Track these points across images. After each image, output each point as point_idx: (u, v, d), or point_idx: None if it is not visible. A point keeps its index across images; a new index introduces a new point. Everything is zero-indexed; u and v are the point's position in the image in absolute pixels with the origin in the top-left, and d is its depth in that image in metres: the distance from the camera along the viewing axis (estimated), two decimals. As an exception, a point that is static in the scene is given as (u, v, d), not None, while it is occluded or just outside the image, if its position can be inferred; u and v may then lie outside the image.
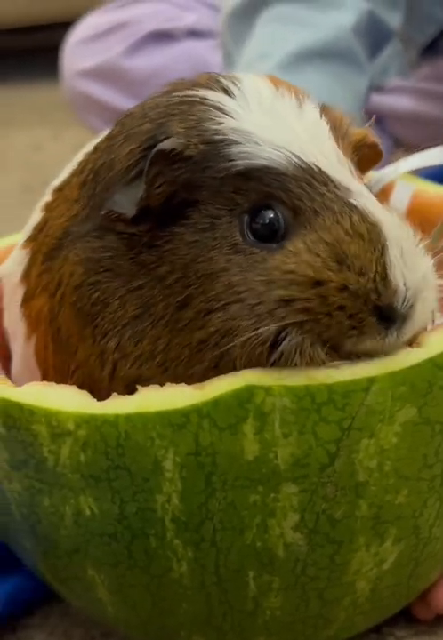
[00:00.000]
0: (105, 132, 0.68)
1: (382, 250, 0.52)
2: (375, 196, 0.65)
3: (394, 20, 1.26)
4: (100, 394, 0.55)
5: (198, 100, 0.56)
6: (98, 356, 0.56)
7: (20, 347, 0.64)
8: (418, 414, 0.54)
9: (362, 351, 0.53)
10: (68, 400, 0.55)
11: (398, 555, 0.58)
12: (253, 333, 0.51)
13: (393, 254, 0.52)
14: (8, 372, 0.68)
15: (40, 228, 0.63)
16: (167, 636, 0.62)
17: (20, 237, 0.66)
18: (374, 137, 0.61)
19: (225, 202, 0.54)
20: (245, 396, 0.52)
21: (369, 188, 0.60)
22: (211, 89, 0.57)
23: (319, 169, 0.54)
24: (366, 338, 0.52)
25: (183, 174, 0.54)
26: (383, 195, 0.79)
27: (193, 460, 0.53)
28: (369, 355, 0.53)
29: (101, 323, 0.56)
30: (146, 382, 0.54)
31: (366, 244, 0.52)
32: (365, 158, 0.61)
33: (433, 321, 0.59)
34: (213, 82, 0.58)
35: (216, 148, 0.54)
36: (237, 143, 0.54)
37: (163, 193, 0.54)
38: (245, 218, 0.54)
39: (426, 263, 0.54)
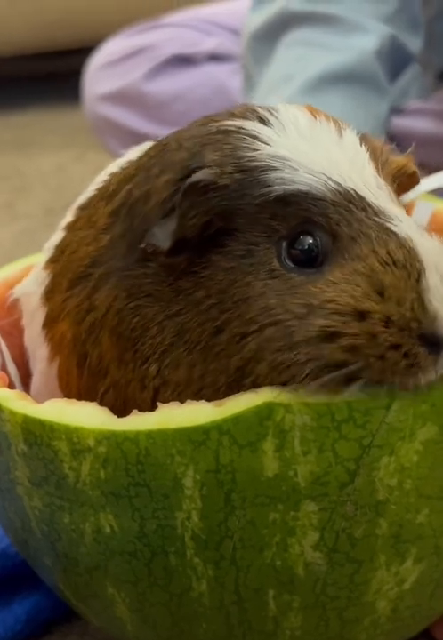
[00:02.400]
0: (129, 154, 0.68)
1: (418, 276, 0.52)
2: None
3: (415, 44, 1.27)
4: None
5: (234, 129, 0.55)
6: (139, 380, 0.56)
7: (42, 367, 0.64)
8: (439, 432, 0.54)
9: (416, 386, 0.52)
10: (88, 416, 0.55)
11: (418, 574, 0.57)
12: (294, 366, 0.51)
13: (431, 279, 0.52)
14: (27, 388, 0.68)
15: (62, 250, 0.64)
16: (187, 657, 0.62)
17: (41, 256, 0.66)
18: (413, 165, 0.61)
19: (263, 229, 0.54)
20: (265, 414, 0.52)
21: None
22: (247, 119, 0.56)
23: (358, 194, 0.54)
24: (420, 371, 0.51)
25: (218, 203, 0.54)
26: (404, 214, 0.79)
27: (213, 478, 0.53)
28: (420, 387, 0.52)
29: (142, 348, 0.56)
30: None
31: (402, 271, 0.52)
32: (402, 187, 0.61)
33: None
34: (249, 112, 0.57)
35: (252, 175, 0.53)
36: (274, 169, 0.53)
37: (197, 224, 0.54)
38: (284, 244, 0.54)
39: None
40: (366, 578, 0.56)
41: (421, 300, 0.52)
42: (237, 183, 0.54)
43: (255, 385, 0.53)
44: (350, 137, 0.58)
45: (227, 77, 1.68)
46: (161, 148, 0.58)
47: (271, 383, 0.53)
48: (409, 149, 0.63)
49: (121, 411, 0.56)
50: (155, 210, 0.55)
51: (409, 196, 0.79)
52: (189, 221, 0.54)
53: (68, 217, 0.67)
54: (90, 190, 0.67)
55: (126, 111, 1.74)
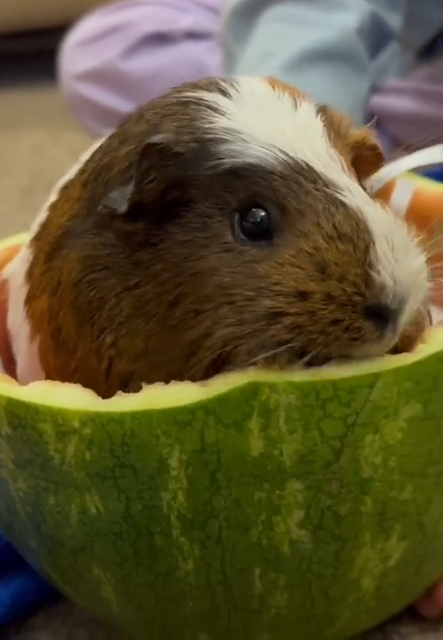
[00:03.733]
0: (109, 133, 0.68)
1: (366, 248, 0.52)
2: (375, 194, 0.65)
3: (395, 20, 1.27)
4: (99, 392, 0.55)
5: (194, 100, 0.56)
6: (95, 352, 0.57)
7: (25, 347, 0.64)
8: (423, 410, 0.54)
9: (361, 355, 0.53)
10: (73, 398, 0.55)
11: (403, 551, 0.58)
12: (241, 343, 0.52)
13: (380, 250, 0.52)
14: (10, 373, 0.68)
15: (45, 226, 0.64)
16: (172, 635, 0.62)
17: (26, 237, 0.66)
18: (373, 138, 0.61)
19: (216, 200, 0.55)
20: (250, 393, 0.52)
21: (368, 187, 0.60)
22: (208, 90, 0.57)
23: (308, 166, 0.54)
24: (367, 343, 0.52)
25: (174, 171, 0.54)
26: (384, 193, 0.79)
27: (198, 458, 0.53)
28: (367, 356, 0.53)
29: (99, 320, 0.56)
30: (139, 379, 0.55)
31: (347, 245, 0.52)
32: (365, 160, 0.61)
33: (431, 317, 0.59)
34: (211, 84, 0.58)
35: (206, 146, 0.54)
36: (226, 141, 0.54)
37: (154, 189, 0.55)
38: (236, 216, 0.54)
39: (418, 257, 0.54)
40: (351, 555, 0.56)
41: (366, 274, 0.52)
42: (192, 153, 0.54)
43: (205, 358, 0.54)
44: (305, 109, 0.58)
45: (205, 55, 1.68)
46: (126, 120, 0.60)
47: (220, 358, 0.53)
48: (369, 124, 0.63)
49: (89, 386, 0.56)
50: (116, 178, 0.56)
51: (390, 174, 0.80)
52: (145, 185, 0.55)
53: (52, 196, 0.67)
54: (73, 170, 0.67)
55: (103, 90, 1.72)
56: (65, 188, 0.65)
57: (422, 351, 0.54)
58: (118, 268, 0.56)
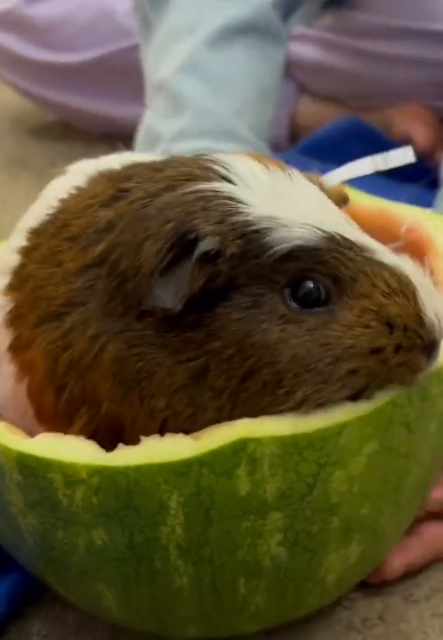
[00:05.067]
0: (72, 174, 0.72)
1: (414, 298, 0.62)
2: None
3: None
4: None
5: (211, 194, 0.60)
6: (148, 414, 0.63)
7: (8, 382, 0.70)
8: (380, 445, 0.64)
9: (414, 383, 0.63)
10: (80, 452, 0.63)
11: (360, 552, 0.69)
12: (334, 396, 0.61)
13: (424, 297, 0.62)
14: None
15: (24, 279, 0.67)
16: (165, 629, 0.72)
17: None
18: (346, 191, 0.70)
19: (265, 282, 0.60)
20: (239, 447, 0.61)
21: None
22: (213, 180, 0.62)
23: (342, 236, 0.62)
24: (420, 373, 0.62)
25: (224, 268, 0.59)
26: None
27: (194, 499, 0.62)
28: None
29: (148, 387, 0.62)
30: None
31: (402, 298, 0.61)
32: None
33: None
34: (208, 170, 0.63)
35: (252, 238, 0.59)
36: (270, 229, 0.59)
37: (205, 286, 0.59)
38: (287, 291, 0.61)
39: (439, 294, 0.64)
40: (319, 561, 0.67)
41: (421, 319, 0.62)
42: (240, 248, 0.60)
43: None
44: (302, 181, 0.64)
45: (113, 0, 1.68)
46: (132, 209, 0.63)
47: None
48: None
49: (113, 435, 0.63)
50: (147, 277, 0.59)
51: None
52: (197, 283, 0.59)
53: (20, 239, 0.70)
54: (39, 212, 0.71)
55: (11, 36, 1.72)
56: (37, 235, 0.68)
57: (378, 399, 0.63)
58: (167, 344, 0.61)
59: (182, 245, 0.59)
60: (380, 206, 0.84)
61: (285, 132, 1.63)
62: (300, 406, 0.61)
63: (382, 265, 0.62)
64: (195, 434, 0.62)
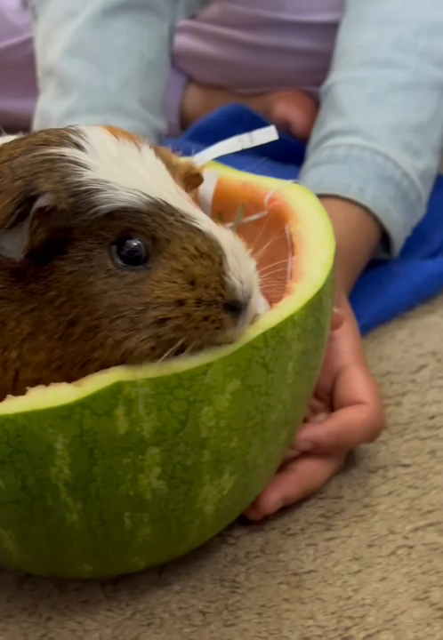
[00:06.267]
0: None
1: (220, 261, 0.70)
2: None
3: None
4: (4, 397, 0.70)
5: (58, 157, 0.69)
6: (1, 365, 0.71)
7: None
8: (242, 384, 0.72)
9: (224, 340, 0.70)
10: (-30, 403, 0.70)
11: (233, 483, 0.77)
12: (140, 344, 0.68)
13: (231, 262, 0.70)
14: None
15: None
16: (62, 568, 0.79)
17: None
18: (196, 167, 0.77)
19: (95, 238, 0.69)
20: (116, 390, 0.68)
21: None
22: (64, 145, 0.70)
23: (165, 202, 0.70)
24: (226, 330, 0.70)
25: (58, 222, 0.68)
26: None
27: (78, 440, 0.69)
28: (229, 341, 0.71)
29: (1, 339, 0.70)
30: (45, 383, 0.70)
31: (207, 260, 0.69)
32: (190, 183, 0.77)
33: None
34: (63, 137, 0.71)
35: (82, 197, 0.68)
36: (98, 191, 0.68)
37: (42, 238, 0.68)
38: (113, 248, 0.69)
39: (251, 262, 0.72)
40: (196, 492, 0.75)
41: (223, 280, 0.70)
42: (71, 206, 0.68)
43: (105, 360, 0.70)
44: (149, 153, 0.73)
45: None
46: None
47: (118, 358, 0.69)
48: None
49: None
50: None
51: (197, 164, 0.95)
52: (36, 236, 0.68)
53: None
54: None
55: None
56: None
57: (239, 341, 0.72)
58: (14, 297, 0.70)
59: (27, 202, 0.67)
60: (245, 179, 0.93)
61: (176, 121, 1.70)
62: (113, 350, 0.69)
63: (196, 231, 0.70)
64: (76, 382, 0.69)
